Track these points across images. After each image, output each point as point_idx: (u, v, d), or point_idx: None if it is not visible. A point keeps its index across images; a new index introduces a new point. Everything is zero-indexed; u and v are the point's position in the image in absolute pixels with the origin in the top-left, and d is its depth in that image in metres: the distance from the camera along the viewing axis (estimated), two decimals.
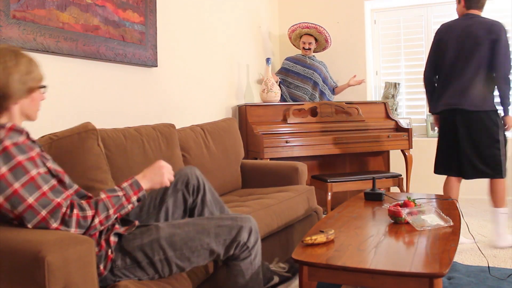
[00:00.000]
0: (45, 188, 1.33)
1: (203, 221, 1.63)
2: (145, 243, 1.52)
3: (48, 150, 1.79)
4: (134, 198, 1.48)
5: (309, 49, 4.29)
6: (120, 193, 1.46)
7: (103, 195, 1.43)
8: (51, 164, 1.43)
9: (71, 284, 1.20)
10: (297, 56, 4.37)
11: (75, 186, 1.51)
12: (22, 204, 1.30)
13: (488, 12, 4.40)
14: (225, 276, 1.73)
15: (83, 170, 1.85)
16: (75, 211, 1.35)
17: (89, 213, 1.37)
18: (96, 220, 1.38)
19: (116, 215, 1.45)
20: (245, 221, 1.65)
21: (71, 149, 1.84)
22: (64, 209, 1.33)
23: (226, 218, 1.65)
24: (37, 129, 1.93)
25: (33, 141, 1.50)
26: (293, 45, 4.47)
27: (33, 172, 1.33)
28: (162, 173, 1.55)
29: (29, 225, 1.32)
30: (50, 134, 1.88)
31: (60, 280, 1.18)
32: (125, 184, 1.49)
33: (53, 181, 1.38)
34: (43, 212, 1.30)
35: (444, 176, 3.02)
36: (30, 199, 1.30)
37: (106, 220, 1.41)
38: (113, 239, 1.49)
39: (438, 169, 3.03)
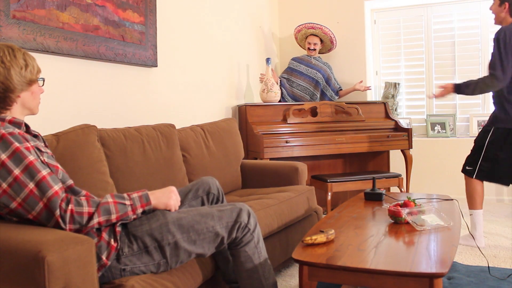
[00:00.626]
0: (44, 172, 1.36)
1: (205, 207, 1.69)
2: (153, 228, 1.53)
3: (56, 144, 1.82)
4: (139, 210, 1.51)
5: (314, 49, 4.32)
6: (128, 202, 1.48)
7: (110, 199, 1.45)
8: (45, 158, 1.45)
9: (71, 284, 1.20)
10: (302, 56, 4.39)
11: (69, 182, 1.52)
12: (24, 190, 1.32)
13: (488, 12, 4.41)
14: (235, 266, 1.76)
15: (91, 163, 1.90)
16: (71, 206, 1.36)
17: (86, 209, 1.38)
18: (95, 220, 1.39)
19: (117, 221, 1.47)
20: (242, 205, 1.73)
21: (78, 142, 1.89)
22: (59, 201, 1.35)
23: (225, 204, 1.73)
24: (37, 128, 1.93)
25: (35, 136, 1.53)
26: (299, 45, 4.48)
27: (31, 157, 1.36)
28: (170, 197, 1.60)
29: (33, 212, 1.33)
30: (51, 134, 1.89)
31: (60, 280, 1.18)
32: (134, 195, 1.52)
33: (48, 169, 1.40)
34: (44, 199, 1.33)
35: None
36: (31, 185, 1.33)
37: (106, 222, 1.43)
38: (118, 229, 1.50)
39: (494, 179, 2.88)
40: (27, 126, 1.50)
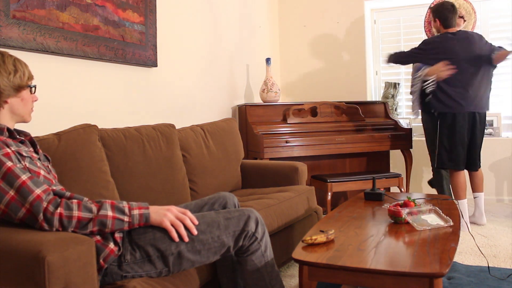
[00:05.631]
0: (24, 177, 1.33)
1: (211, 214, 1.64)
2: (157, 237, 1.51)
3: (57, 143, 1.82)
4: (135, 227, 1.49)
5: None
6: (126, 219, 1.44)
7: (109, 212, 1.41)
8: (27, 163, 1.42)
9: (71, 284, 1.20)
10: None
11: (52, 187, 1.46)
12: (5, 197, 1.31)
13: (487, 12, 4.42)
14: (241, 273, 1.74)
15: (92, 162, 1.90)
16: (60, 209, 1.34)
17: (75, 213, 1.35)
18: (89, 229, 1.38)
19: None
20: (250, 212, 1.68)
21: (79, 141, 1.89)
22: (45, 204, 1.32)
23: (232, 211, 1.67)
24: (38, 129, 1.93)
25: (22, 141, 1.50)
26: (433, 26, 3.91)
27: (9, 163, 1.34)
28: (164, 214, 1.51)
29: (18, 217, 1.32)
30: (52, 133, 1.89)
31: (60, 280, 1.18)
32: (135, 212, 1.46)
33: (29, 174, 1.37)
34: (27, 205, 1.31)
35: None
36: (12, 191, 1.31)
37: (99, 231, 1.41)
38: (117, 234, 1.47)
39: (447, 164, 3.29)
40: (10, 131, 1.47)
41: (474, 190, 3.40)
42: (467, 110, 3.23)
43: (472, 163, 3.32)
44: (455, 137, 3.24)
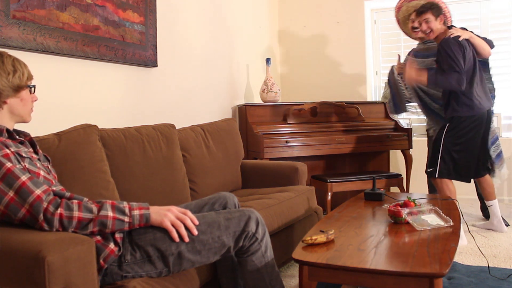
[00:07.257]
0: (24, 178, 1.33)
1: (212, 215, 1.64)
2: (157, 237, 1.51)
3: (58, 144, 1.82)
4: (136, 227, 1.48)
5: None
6: (127, 219, 1.44)
7: (110, 213, 1.41)
8: (27, 164, 1.42)
9: (71, 284, 1.21)
10: (419, 47, 3.39)
11: (52, 187, 1.46)
12: (4, 198, 1.31)
13: (488, 12, 4.42)
14: (241, 273, 1.74)
15: (92, 162, 1.90)
16: (60, 209, 1.33)
17: (76, 214, 1.35)
18: (89, 229, 1.38)
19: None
20: (251, 212, 1.68)
21: (79, 141, 1.89)
22: (45, 204, 1.32)
23: (233, 211, 1.67)
24: (38, 129, 1.93)
25: (22, 142, 1.49)
26: (405, 32, 3.54)
27: (8, 164, 1.33)
28: (165, 214, 1.51)
29: (17, 218, 1.32)
30: (52, 133, 1.89)
31: (60, 280, 1.18)
32: (136, 212, 1.46)
33: (29, 174, 1.37)
34: (26, 205, 1.31)
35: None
36: (11, 192, 1.31)
37: (99, 231, 1.41)
38: (118, 235, 1.47)
39: (466, 177, 3.10)
40: (10, 132, 1.46)
41: (486, 198, 3.27)
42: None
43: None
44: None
